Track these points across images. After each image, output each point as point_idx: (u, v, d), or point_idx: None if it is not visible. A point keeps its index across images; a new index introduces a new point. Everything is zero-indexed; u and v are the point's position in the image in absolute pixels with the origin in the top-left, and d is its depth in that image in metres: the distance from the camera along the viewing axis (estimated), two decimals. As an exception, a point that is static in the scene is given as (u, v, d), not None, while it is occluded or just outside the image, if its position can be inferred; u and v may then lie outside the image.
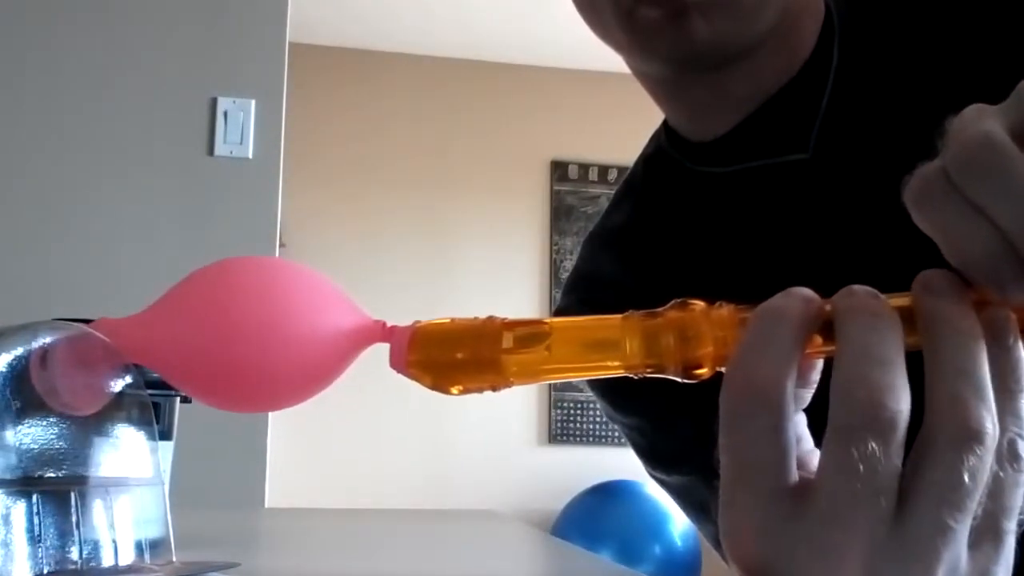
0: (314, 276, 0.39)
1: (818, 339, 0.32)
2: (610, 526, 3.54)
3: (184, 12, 1.99)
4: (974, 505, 0.29)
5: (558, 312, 0.79)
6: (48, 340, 0.39)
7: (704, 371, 0.34)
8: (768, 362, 0.31)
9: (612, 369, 0.35)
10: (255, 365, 0.37)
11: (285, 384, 0.38)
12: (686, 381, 0.35)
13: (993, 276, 0.31)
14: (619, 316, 0.35)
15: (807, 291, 0.33)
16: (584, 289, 0.77)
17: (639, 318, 0.35)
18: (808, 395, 0.35)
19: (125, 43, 1.96)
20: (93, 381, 0.41)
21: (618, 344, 0.35)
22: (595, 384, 0.76)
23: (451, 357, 0.36)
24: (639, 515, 3.55)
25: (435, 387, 0.36)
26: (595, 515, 3.62)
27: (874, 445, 0.29)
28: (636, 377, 0.35)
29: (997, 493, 0.30)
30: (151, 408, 0.45)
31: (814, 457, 0.32)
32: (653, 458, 0.74)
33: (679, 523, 3.52)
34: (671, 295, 0.74)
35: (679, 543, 3.54)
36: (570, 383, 3.86)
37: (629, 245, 0.74)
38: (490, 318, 0.36)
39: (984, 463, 0.29)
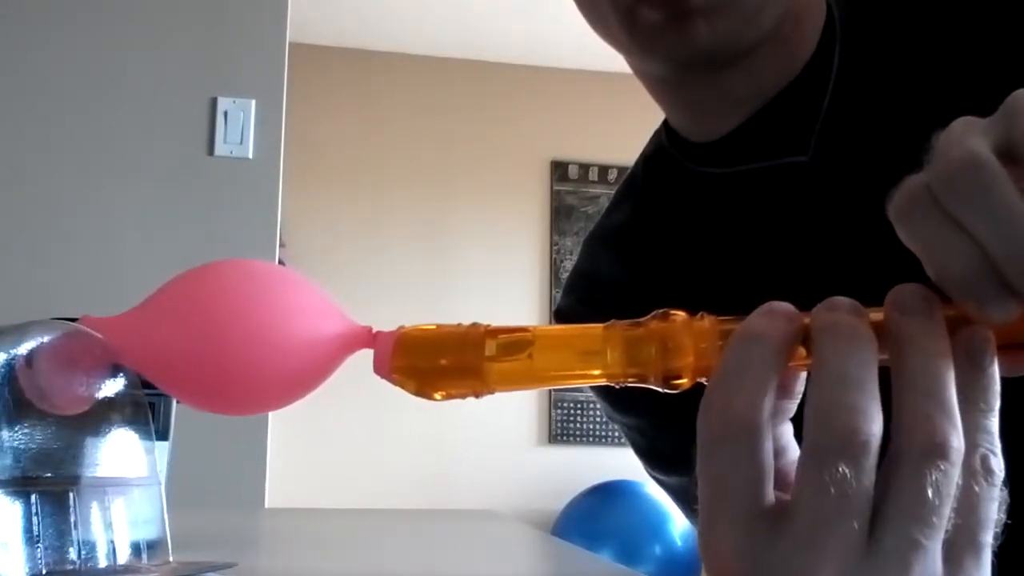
0: (301, 281, 0.39)
1: (801, 351, 0.32)
2: (610, 526, 3.54)
3: (184, 12, 1.99)
4: (943, 521, 0.29)
5: (558, 311, 0.79)
6: (36, 339, 0.39)
7: (684, 382, 0.34)
8: (744, 389, 0.31)
9: (594, 378, 0.35)
10: (237, 368, 0.37)
11: (267, 388, 0.38)
12: (667, 391, 0.35)
13: (972, 294, 0.31)
14: (601, 325, 0.36)
15: (788, 309, 0.33)
16: (584, 289, 0.77)
17: (621, 328, 0.35)
18: (793, 406, 0.35)
19: (125, 43, 1.96)
20: (80, 380, 0.41)
21: (600, 353, 0.35)
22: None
23: (434, 363, 0.36)
24: (639, 515, 3.55)
25: (418, 393, 0.37)
26: (595, 515, 3.62)
27: (845, 468, 0.29)
28: (617, 386, 0.35)
29: (973, 507, 0.30)
30: (147, 408, 0.45)
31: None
32: (652, 458, 0.74)
33: (679, 523, 3.51)
34: (671, 295, 0.74)
35: (679, 543, 3.54)
36: (570, 383, 3.86)
37: (629, 245, 0.74)
38: (474, 325, 0.36)
39: (950, 478, 0.29)
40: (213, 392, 0.38)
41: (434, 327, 0.37)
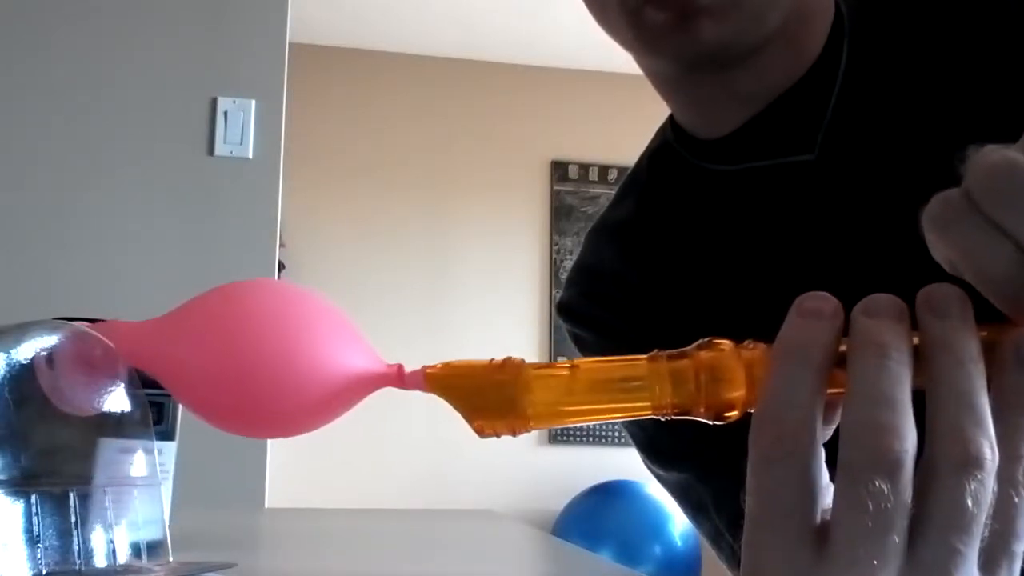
0: (335, 313, 0.38)
1: (839, 376, 0.32)
2: (610, 526, 3.54)
3: (184, 12, 1.99)
4: (980, 528, 0.30)
5: (560, 305, 0.79)
6: (53, 340, 0.39)
7: (735, 413, 0.34)
8: (797, 405, 0.31)
9: (639, 411, 0.34)
10: (260, 393, 0.36)
11: (285, 416, 0.37)
12: (716, 423, 0.34)
13: (1016, 296, 0.31)
14: (645, 356, 0.34)
15: (827, 307, 0.32)
16: (586, 282, 0.78)
17: (666, 358, 0.34)
18: (828, 432, 0.34)
19: (125, 43, 1.96)
20: (99, 381, 0.41)
21: (645, 385, 0.34)
22: None
23: (469, 398, 0.35)
24: (639, 515, 3.55)
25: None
26: (595, 515, 3.62)
27: (882, 484, 0.29)
28: (664, 419, 0.34)
29: (1012, 517, 0.30)
30: (149, 408, 0.45)
31: (829, 492, 0.32)
32: (652, 453, 0.74)
33: (679, 523, 3.52)
34: (674, 291, 0.74)
35: (679, 543, 3.54)
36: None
37: (632, 239, 0.74)
38: (509, 359, 0.35)
39: (986, 487, 0.30)
40: (229, 412, 0.37)
41: (466, 362, 0.36)
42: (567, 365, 0.35)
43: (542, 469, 3.94)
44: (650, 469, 0.76)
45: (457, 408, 0.35)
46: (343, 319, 0.38)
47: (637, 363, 0.34)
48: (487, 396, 0.35)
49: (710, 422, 0.34)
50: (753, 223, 0.66)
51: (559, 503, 3.78)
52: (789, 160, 0.64)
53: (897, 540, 0.29)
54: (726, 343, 0.34)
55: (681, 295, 0.70)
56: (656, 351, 0.34)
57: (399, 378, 0.37)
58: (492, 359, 0.35)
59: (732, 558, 0.69)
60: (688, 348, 0.34)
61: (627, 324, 0.73)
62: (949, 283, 0.32)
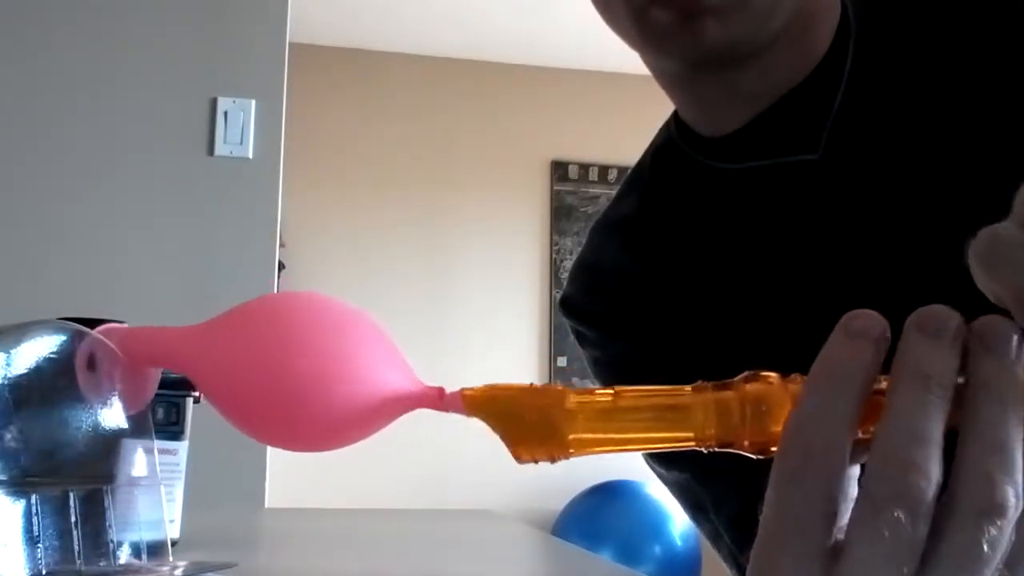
0: (376, 329, 0.38)
1: (879, 382, 0.31)
2: (610, 526, 3.54)
3: (184, 12, 1.99)
4: (991, 570, 0.30)
5: (563, 301, 0.79)
6: (55, 341, 0.39)
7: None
8: (831, 425, 0.31)
9: (681, 441, 0.34)
10: (298, 409, 0.36)
11: (322, 432, 0.37)
12: (759, 457, 0.33)
13: None
14: (689, 387, 0.34)
15: (874, 329, 0.31)
16: (589, 279, 0.78)
17: (711, 389, 0.33)
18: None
19: (125, 43, 1.96)
20: (137, 383, 0.41)
21: (689, 416, 0.33)
22: (597, 373, 0.77)
23: (509, 423, 0.35)
24: (639, 515, 3.55)
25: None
26: (595, 515, 3.62)
27: (901, 514, 0.29)
28: (706, 451, 0.34)
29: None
30: (149, 408, 0.45)
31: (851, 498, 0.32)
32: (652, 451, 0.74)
33: (679, 523, 3.52)
34: (677, 287, 0.74)
35: (679, 543, 3.54)
36: (570, 374, 3.87)
37: (635, 236, 0.74)
38: (549, 384, 0.35)
39: (1004, 533, 0.29)
40: (262, 420, 0.37)
41: (505, 386, 0.35)
42: (609, 393, 0.34)
43: (542, 469, 3.92)
44: (651, 467, 0.76)
45: (497, 432, 0.35)
46: (383, 336, 0.38)
47: (681, 394, 0.34)
48: (529, 422, 0.34)
49: (753, 456, 0.33)
50: (756, 222, 0.66)
51: (559, 503, 3.78)
52: (793, 159, 0.64)
53: (907, 572, 0.29)
54: (773, 376, 0.33)
55: (683, 292, 0.70)
56: (701, 382, 0.34)
57: (439, 399, 0.36)
58: (532, 383, 0.35)
59: (731, 558, 0.69)
60: (734, 380, 0.33)
61: (629, 320, 0.73)
62: (1006, 318, 0.31)
